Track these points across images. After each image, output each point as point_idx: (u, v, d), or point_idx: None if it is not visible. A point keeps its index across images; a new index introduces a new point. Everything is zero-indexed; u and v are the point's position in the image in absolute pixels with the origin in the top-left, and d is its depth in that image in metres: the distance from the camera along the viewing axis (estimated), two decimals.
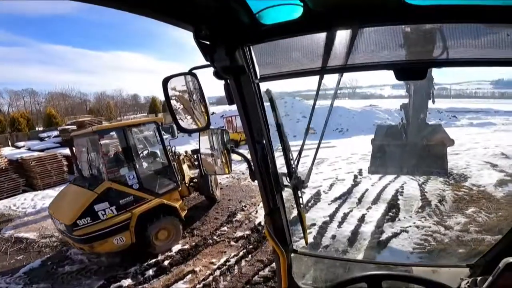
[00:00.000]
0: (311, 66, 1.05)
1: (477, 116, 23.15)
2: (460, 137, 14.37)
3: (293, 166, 1.43)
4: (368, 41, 0.93)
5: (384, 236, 5.56)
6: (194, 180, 7.84)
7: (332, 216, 6.60)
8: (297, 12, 0.86)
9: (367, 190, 7.95)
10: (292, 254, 1.64)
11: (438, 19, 0.84)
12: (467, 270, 1.49)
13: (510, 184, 7.42)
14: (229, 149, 1.30)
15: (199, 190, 7.88)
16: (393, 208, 6.67)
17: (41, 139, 19.98)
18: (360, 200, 7.33)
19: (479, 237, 5.09)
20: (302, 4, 0.82)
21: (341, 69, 1.03)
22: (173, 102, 1.01)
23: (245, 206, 8.12)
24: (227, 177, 10.84)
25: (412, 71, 0.97)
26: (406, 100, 6.48)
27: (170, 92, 0.99)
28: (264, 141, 1.26)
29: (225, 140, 1.30)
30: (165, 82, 0.97)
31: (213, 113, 22.03)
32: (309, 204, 7.43)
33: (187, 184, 7.29)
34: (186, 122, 1.04)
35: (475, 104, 28.33)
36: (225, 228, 6.97)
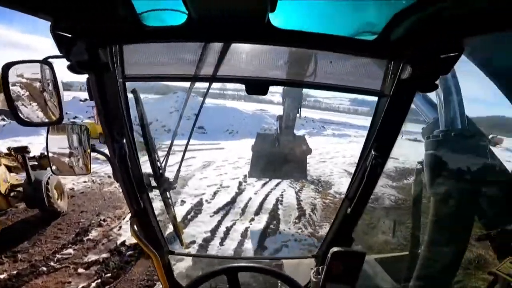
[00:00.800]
0: (182, 72, 1.08)
1: (338, 128, 28.43)
2: (326, 147, 16.98)
3: (161, 166, 1.43)
4: (233, 56, 1.03)
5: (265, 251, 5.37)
6: (19, 189, 5.64)
7: (213, 232, 5.89)
8: (181, 19, 0.88)
9: (250, 199, 7.73)
10: (169, 255, 1.68)
11: (296, 42, 0.97)
12: (313, 260, 1.74)
13: None
14: (89, 146, 1.22)
15: (26, 201, 5.75)
16: (273, 219, 6.67)
17: None
18: (243, 211, 6.97)
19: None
20: (187, 12, 0.84)
21: (207, 79, 1.09)
22: (18, 90, 0.92)
23: (104, 220, 6.31)
24: (85, 181, 8.46)
25: (257, 86, 1.07)
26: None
27: (14, 79, 0.90)
28: (124, 141, 1.19)
29: (85, 136, 1.23)
30: (7, 68, 0.89)
31: (85, 99, 17.76)
32: (189, 217, 6.50)
33: (3, 193, 5.35)
34: (33, 114, 0.95)
35: (337, 117, 35.08)
36: (70, 250, 5.14)
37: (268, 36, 0.92)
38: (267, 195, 8.08)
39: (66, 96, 21.86)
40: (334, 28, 0.92)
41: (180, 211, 6.60)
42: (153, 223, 1.53)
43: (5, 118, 16.61)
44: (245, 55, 1.05)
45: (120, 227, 6.07)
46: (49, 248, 5.14)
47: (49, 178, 5.90)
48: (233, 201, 7.51)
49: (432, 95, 2.00)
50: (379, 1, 0.86)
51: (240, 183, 8.93)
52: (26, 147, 6.03)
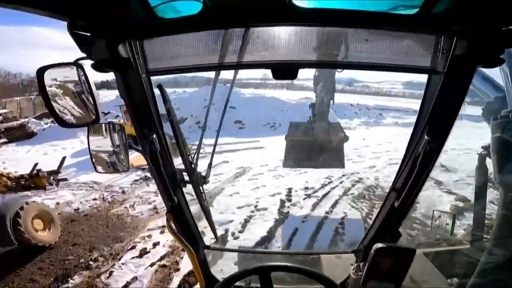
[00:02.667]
0: (205, 62, 1.04)
1: (399, 115, 23.74)
2: (393, 141, 13.38)
3: (193, 162, 1.40)
4: (256, 41, 0.97)
5: None
6: None
7: None
8: (196, 8, 0.86)
9: (296, 231, 5.37)
10: (205, 250, 1.67)
11: (322, 21, 0.89)
12: (353, 256, 1.67)
13: None
14: (127, 144, 1.22)
15: None
16: None
17: None
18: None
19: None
20: (201, 0, 0.83)
21: (232, 66, 1.06)
22: (54, 93, 0.93)
23: (95, 260, 4.79)
24: (95, 198, 7.10)
25: (285, 71, 1.00)
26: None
27: (50, 83, 0.91)
28: (154, 137, 1.17)
29: (122, 134, 1.22)
30: (41, 72, 0.89)
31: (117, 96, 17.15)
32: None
33: None
34: (71, 115, 0.95)
35: (394, 103, 29.80)
36: None
37: (290, 16, 0.85)
38: (321, 223, 5.62)
39: (110, 95, 22.16)
40: (364, 3, 0.85)
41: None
42: (188, 218, 1.52)
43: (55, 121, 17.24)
44: (270, 38, 0.97)
45: (111, 273, 4.40)
46: None
47: (21, 208, 4.50)
48: (269, 237, 5.23)
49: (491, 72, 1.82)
50: None
51: (282, 203, 6.60)
52: None
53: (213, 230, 1.71)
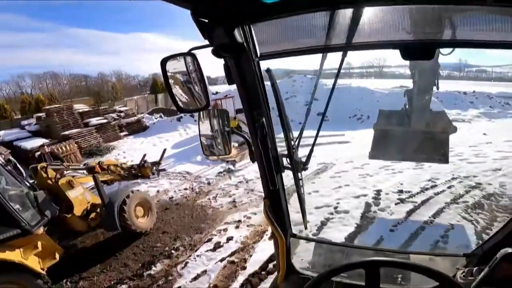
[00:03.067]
0: (313, 44, 1.02)
1: None
2: None
3: (294, 148, 1.38)
4: (373, 20, 0.91)
5: None
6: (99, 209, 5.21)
7: None
8: None
9: (380, 241, 4.57)
10: (291, 238, 1.63)
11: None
12: (463, 259, 1.52)
13: None
14: (229, 129, 1.27)
15: (102, 224, 5.28)
16: None
17: (22, 127, 18.24)
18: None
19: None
20: None
21: (345, 47, 1.02)
22: (172, 82, 1.01)
23: (176, 249, 5.23)
24: (186, 188, 7.88)
25: (419, 51, 0.92)
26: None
27: (169, 73, 0.99)
28: (263, 121, 1.20)
29: (225, 120, 1.26)
30: (164, 62, 0.97)
31: (216, 92, 18.89)
32: None
33: (80, 215, 4.97)
34: (186, 102, 1.03)
35: None
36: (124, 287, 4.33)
37: None
38: (415, 234, 4.60)
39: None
40: None
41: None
42: (283, 205, 1.52)
43: (162, 115, 20.48)
44: (385, 16, 0.89)
45: (186, 264, 4.73)
46: (111, 279, 4.50)
47: (127, 197, 5.26)
48: (350, 253, 4.61)
49: None
50: None
51: (367, 206, 5.77)
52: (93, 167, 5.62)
53: (304, 219, 1.69)
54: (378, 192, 6.28)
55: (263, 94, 1.18)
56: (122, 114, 17.57)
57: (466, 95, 18.47)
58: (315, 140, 1.51)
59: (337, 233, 4.94)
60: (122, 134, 15.80)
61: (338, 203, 6.04)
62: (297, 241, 1.69)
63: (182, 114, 16.81)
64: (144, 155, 8.18)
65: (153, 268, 4.75)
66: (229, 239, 5.29)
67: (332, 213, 5.69)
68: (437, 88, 5.34)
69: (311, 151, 1.47)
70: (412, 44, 0.92)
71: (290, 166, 1.41)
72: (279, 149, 1.40)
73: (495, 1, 0.78)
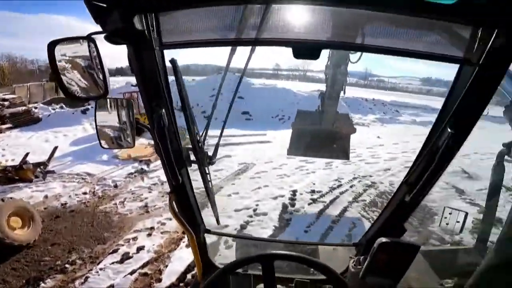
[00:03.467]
0: (221, 37, 1.03)
1: (417, 113, 22.20)
2: (410, 140, 12.34)
3: (200, 140, 1.39)
4: (277, 18, 0.94)
5: None
6: None
7: None
8: None
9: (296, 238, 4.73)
10: (206, 234, 1.65)
11: (350, 1, 0.86)
12: (354, 249, 1.67)
13: None
14: (133, 121, 1.25)
15: None
16: None
17: None
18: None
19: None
20: None
21: (250, 43, 1.03)
22: (69, 67, 0.96)
23: (72, 263, 4.36)
24: (85, 192, 6.67)
25: (308, 50, 0.97)
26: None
27: (66, 57, 0.94)
28: (162, 113, 1.15)
29: (129, 110, 1.25)
30: (52, 45, 0.91)
31: (136, 84, 16.74)
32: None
33: None
34: (79, 89, 0.98)
35: (411, 99, 28.07)
36: None
37: None
38: (325, 235, 4.94)
39: (122, 81, 21.90)
40: None
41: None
42: (191, 200, 1.49)
43: (64, 106, 17.13)
44: (291, 16, 0.94)
45: (86, 279, 3.98)
46: None
47: None
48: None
49: None
50: None
51: (284, 208, 5.94)
52: None
53: (215, 214, 1.67)
54: (294, 192, 6.58)
55: (165, 85, 1.13)
56: (6, 103, 14.04)
57: (367, 102, 21.69)
58: (221, 134, 1.48)
59: (261, 227, 4.97)
60: (4, 126, 12.56)
61: (257, 205, 6.04)
62: (217, 236, 1.75)
63: (88, 105, 14.47)
64: (26, 155, 6.56)
65: (42, 284, 3.85)
66: (140, 248, 4.67)
67: (251, 216, 5.63)
68: (344, 93, 5.91)
69: (217, 145, 1.45)
70: (301, 44, 0.94)
71: (195, 160, 1.39)
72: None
73: (410, 11, 0.83)
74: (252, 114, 15.73)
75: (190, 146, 1.36)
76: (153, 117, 1.13)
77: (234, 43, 1.07)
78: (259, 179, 7.46)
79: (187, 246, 4.64)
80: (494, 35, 0.85)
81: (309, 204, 6.09)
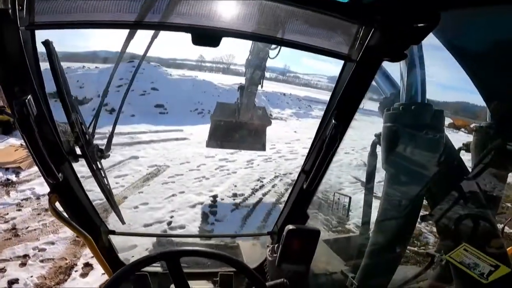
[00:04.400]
0: (111, 19, 0.94)
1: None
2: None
3: (88, 132, 1.29)
4: (177, 2, 0.90)
5: None
6: None
7: None
8: None
9: None
10: (110, 236, 1.55)
11: None
12: (269, 238, 1.70)
13: None
14: None
15: None
16: None
17: None
18: None
19: None
20: None
21: (143, 26, 0.97)
22: None
23: None
24: None
25: (208, 37, 0.97)
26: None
27: None
28: (29, 98, 0.99)
29: None
30: None
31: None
32: None
33: None
34: None
35: (321, 95, 31.36)
36: None
37: None
38: None
39: None
40: None
41: None
42: (81, 200, 1.36)
43: None
44: (193, 1, 0.92)
45: None
46: None
47: None
48: None
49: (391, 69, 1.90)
50: None
51: (204, 218, 5.22)
52: None
53: (117, 213, 1.56)
54: (215, 198, 5.95)
55: (34, 68, 1.02)
56: None
57: (285, 96, 22.82)
58: (115, 124, 1.44)
59: None
60: None
61: (172, 217, 5.15)
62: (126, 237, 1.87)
63: None
64: None
65: None
66: (13, 282, 3.55)
67: (165, 231, 4.73)
68: (261, 87, 5.97)
69: (111, 137, 1.39)
70: (201, 29, 0.93)
71: (82, 154, 1.25)
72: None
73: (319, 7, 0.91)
74: (168, 107, 14.17)
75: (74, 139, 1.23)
76: (13, 103, 0.98)
77: (122, 26, 0.97)
78: (173, 184, 6.48)
79: (84, 274, 3.79)
80: (370, 33, 0.96)
81: (231, 210, 5.57)
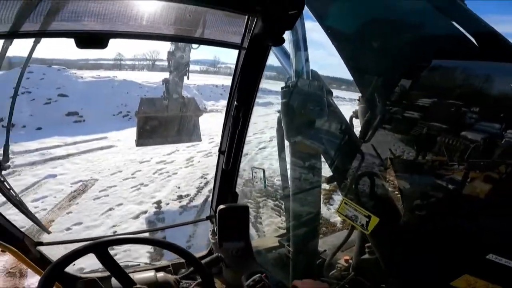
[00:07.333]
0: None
1: (259, 95, 25.27)
2: (257, 121, 13.75)
3: None
4: (52, 8, 0.88)
5: None
6: None
7: None
8: None
9: None
10: (39, 247, 1.46)
11: None
12: (209, 222, 1.76)
13: None
14: None
15: None
16: None
17: None
18: None
19: None
20: None
21: (17, 35, 0.93)
22: None
23: None
24: None
25: (93, 40, 0.96)
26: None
27: None
28: None
29: None
30: None
31: None
32: None
33: None
34: None
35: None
36: None
37: None
38: None
39: None
40: None
41: None
42: None
43: None
44: (76, 6, 0.90)
45: None
46: None
47: None
48: None
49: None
50: None
51: (152, 227, 4.87)
52: None
53: (38, 224, 1.60)
54: (159, 204, 5.58)
55: None
56: None
57: (218, 88, 22.49)
58: (8, 133, 1.47)
59: None
60: None
61: (115, 232, 4.65)
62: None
63: None
64: None
65: None
66: None
67: (112, 248, 4.21)
68: (188, 78, 6.19)
69: (6, 146, 1.39)
70: (85, 33, 0.93)
71: None
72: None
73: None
74: (84, 114, 12.44)
75: None
76: None
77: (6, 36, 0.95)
78: (107, 198, 5.81)
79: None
80: (255, 22, 1.05)
81: (180, 213, 5.32)
